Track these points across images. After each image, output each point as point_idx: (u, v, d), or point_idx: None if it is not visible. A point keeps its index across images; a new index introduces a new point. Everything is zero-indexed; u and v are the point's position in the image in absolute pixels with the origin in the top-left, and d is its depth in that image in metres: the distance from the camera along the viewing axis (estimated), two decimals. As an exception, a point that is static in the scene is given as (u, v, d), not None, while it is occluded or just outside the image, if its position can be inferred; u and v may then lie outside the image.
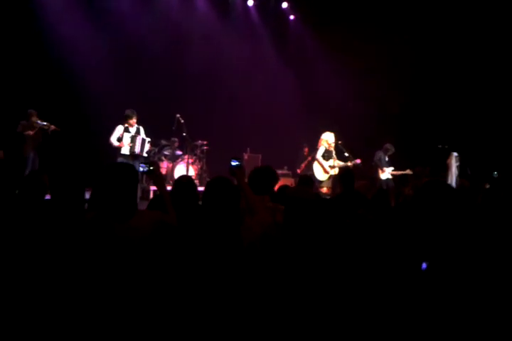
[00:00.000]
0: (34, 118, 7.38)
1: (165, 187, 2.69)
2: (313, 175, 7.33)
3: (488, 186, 5.05)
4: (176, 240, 2.35)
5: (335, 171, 7.44)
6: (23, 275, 2.05)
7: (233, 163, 2.81)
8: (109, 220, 2.18)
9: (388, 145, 8.48)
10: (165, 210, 2.49)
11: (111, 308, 2.03)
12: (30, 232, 2.27)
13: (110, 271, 2.10)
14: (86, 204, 2.79)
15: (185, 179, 3.14)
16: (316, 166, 7.54)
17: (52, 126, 7.43)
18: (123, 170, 2.28)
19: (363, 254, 2.20)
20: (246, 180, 3.04)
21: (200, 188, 4.13)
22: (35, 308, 1.97)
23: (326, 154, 7.50)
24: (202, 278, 2.17)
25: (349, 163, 7.38)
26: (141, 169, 2.60)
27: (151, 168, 2.61)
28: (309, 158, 8.27)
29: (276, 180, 3.27)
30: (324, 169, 7.49)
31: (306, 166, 8.89)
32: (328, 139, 7.49)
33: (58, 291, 2.00)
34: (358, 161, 7.41)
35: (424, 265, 1.62)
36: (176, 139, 9.17)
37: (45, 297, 1.99)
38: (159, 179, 2.73)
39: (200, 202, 2.87)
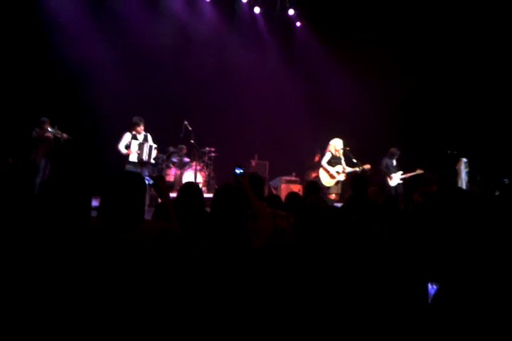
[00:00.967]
0: (46, 126, 7.45)
1: (169, 199, 2.72)
2: (319, 181, 7.26)
3: (497, 193, 4.99)
4: (183, 248, 2.35)
5: (343, 177, 7.39)
6: (28, 279, 2.06)
7: (237, 171, 2.80)
8: (115, 228, 2.19)
9: (394, 150, 8.37)
10: (169, 220, 2.53)
11: (113, 315, 2.03)
12: (35, 236, 2.28)
13: (115, 277, 2.10)
14: (94, 212, 2.81)
15: (189, 186, 3.15)
16: (321, 172, 7.47)
17: (65, 135, 7.49)
18: (132, 179, 2.30)
19: (362, 260, 2.17)
20: None
21: (208, 195, 4.13)
22: (37, 311, 1.97)
23: (332, 160, 7.42)
24: (213, 285, 2.16)
25: (357, 169, 7.33)
26: (146, 182, 2.66)
27: (155, 181, 2.68)
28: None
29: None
30: (330, 175, 7.41)
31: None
32: (336, 145, 7.41)
33: (60, 295, 2.01)
34: (367, 167, 7.35)
35: (431, 289, 1.56)
36: (184, 146, 9.21)
37: (48, 301, 2.00)
38: (163, 191, 2.75)
39: (207, 209, 2.87)
